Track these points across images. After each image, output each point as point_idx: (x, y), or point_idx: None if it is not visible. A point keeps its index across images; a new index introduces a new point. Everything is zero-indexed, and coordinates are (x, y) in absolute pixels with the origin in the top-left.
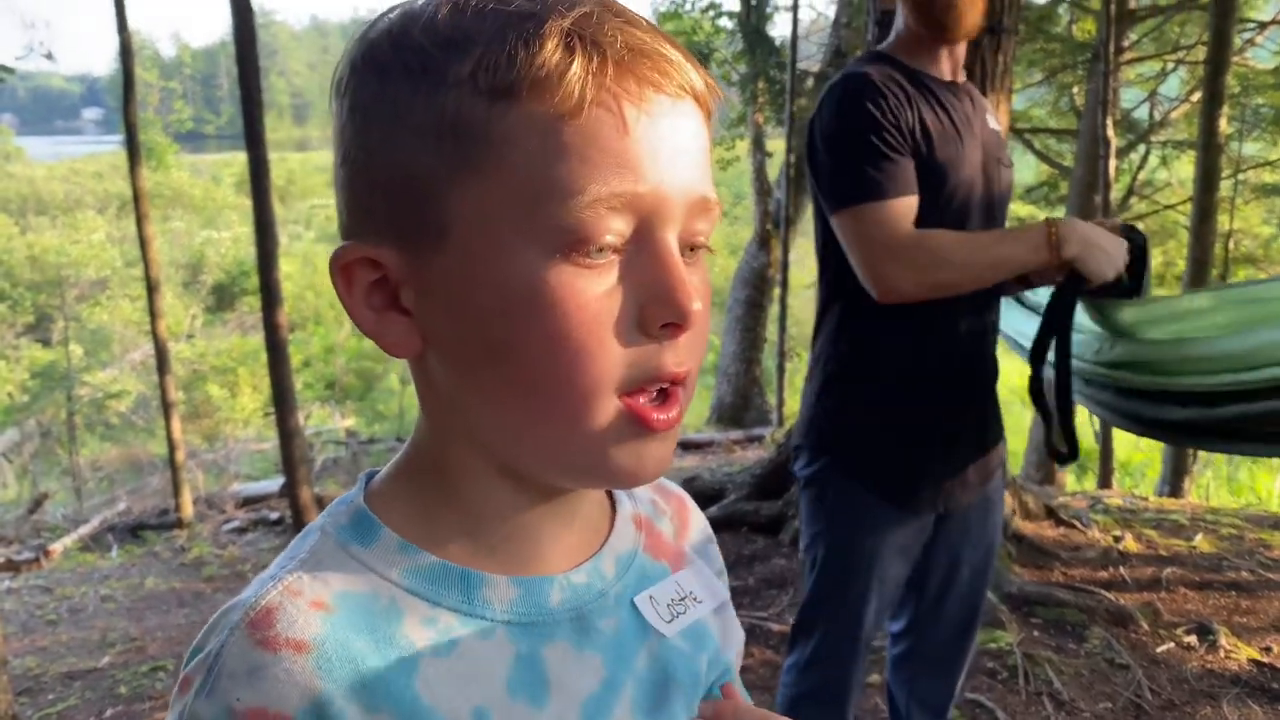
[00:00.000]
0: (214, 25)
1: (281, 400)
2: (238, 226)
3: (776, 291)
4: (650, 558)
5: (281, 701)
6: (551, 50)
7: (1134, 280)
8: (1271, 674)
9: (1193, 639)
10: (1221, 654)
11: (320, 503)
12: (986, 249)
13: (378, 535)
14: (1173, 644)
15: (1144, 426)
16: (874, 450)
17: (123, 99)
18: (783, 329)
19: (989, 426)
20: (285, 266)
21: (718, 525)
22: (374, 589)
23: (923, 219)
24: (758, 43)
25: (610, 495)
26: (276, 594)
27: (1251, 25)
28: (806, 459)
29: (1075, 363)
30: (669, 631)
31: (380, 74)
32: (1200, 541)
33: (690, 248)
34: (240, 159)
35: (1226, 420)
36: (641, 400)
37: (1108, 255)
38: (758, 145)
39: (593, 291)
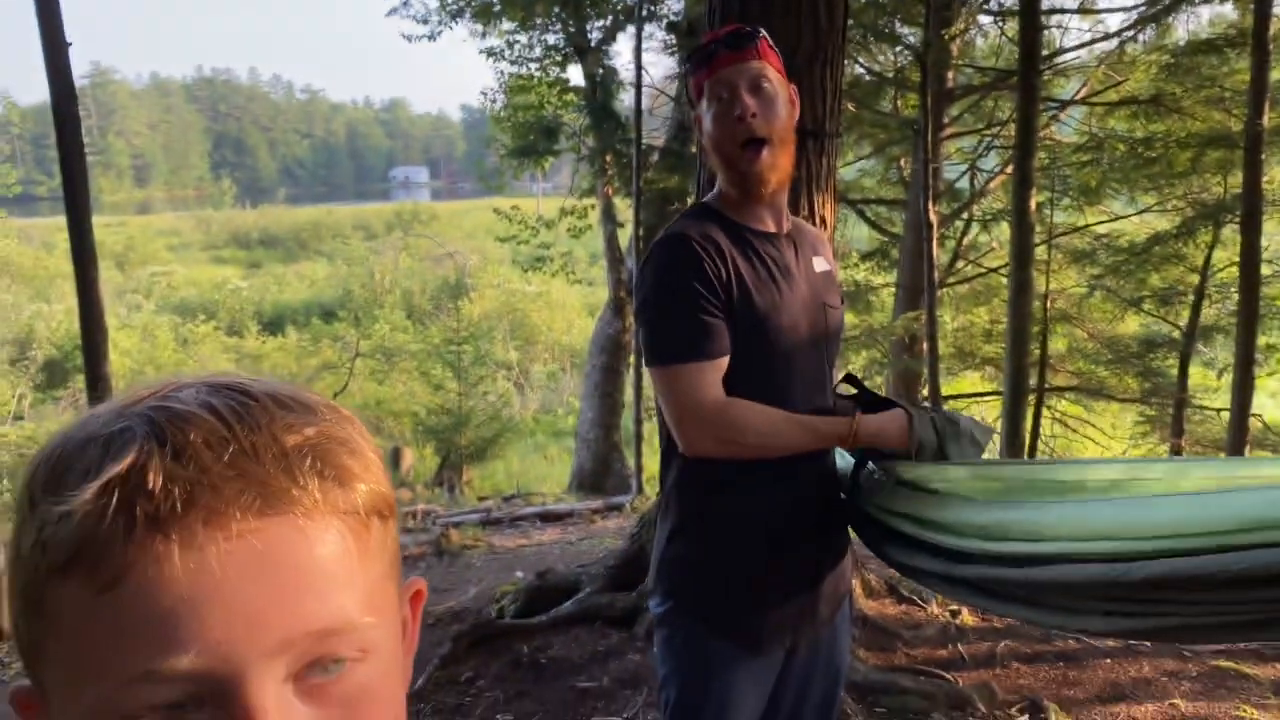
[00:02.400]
0: (45, 82)
1: None
2: (70, 298)
3: (632, 358)
4: None
5: None
6: (87, 516)
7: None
8: None
9: (1025, 718)
10: None
11: None
12: (790, 439)
13: None
14: None
15: (902, 570)
16: (720, 595)
17: None
18: (638, 393)
19: (837, 559)
20: (123, 341)
21: (572, 620)
22: None
23: (749, 366)
24: (604, 118)
25: None
26: None
27: (1054, 104)
28: (658, 600)
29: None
30: None
31: (13, 526)
32: None
33: (325, 662)
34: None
35: (971, 578)
36: None
37: (897, 440)
38: (608, 216)
39: None
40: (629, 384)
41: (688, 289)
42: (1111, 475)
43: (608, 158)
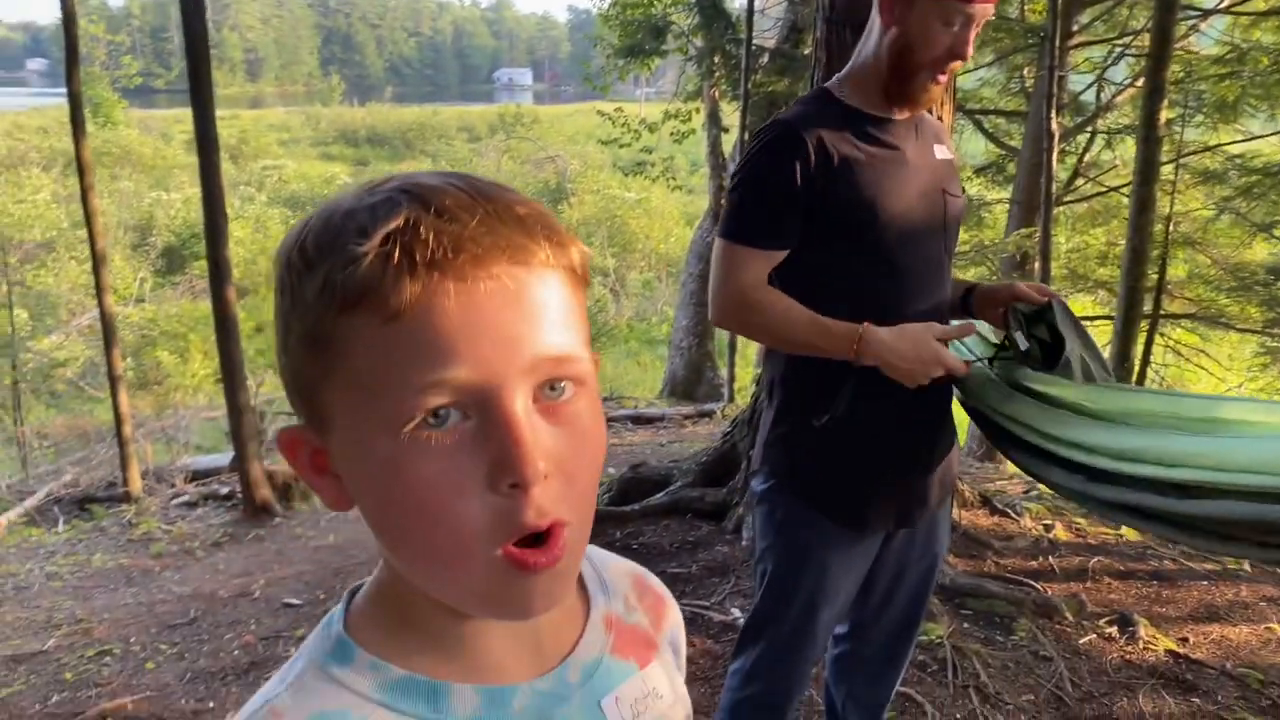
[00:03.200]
0: None
1: (231, 376)
2: (188, 188)
3: None
4: (618, 658)
5: None
6: (372, 263)
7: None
8: (1187, 665)
9: (1114, 630)
10: (1140, 645)
11: (270, 478)
12: (801, 330)
13: (353, 655)
14: (1095, 635)
15: (1035, 479)
16: (827, 476)
17: (65, 68)
18: None
19: (944, 445)
20: (237, 231)
21: (663, 512)
22: (347, 706)
23: (860, 250)
24: (714, 17)
25: (585, 594)
26: (262, 714)
27: (1195, 13)
28: (762, 479)
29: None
30: None
31: (280, 290)
32: (1127, 530)
33: (557, 384)
34: (191, 115)
35: (1110, 500)
36: (515, 545)
37: (908, 369)
38: (713, 120)
39: (437, 465)
40: None
41: (770, 178)
42: (1244, 415)
43: (716, 59)
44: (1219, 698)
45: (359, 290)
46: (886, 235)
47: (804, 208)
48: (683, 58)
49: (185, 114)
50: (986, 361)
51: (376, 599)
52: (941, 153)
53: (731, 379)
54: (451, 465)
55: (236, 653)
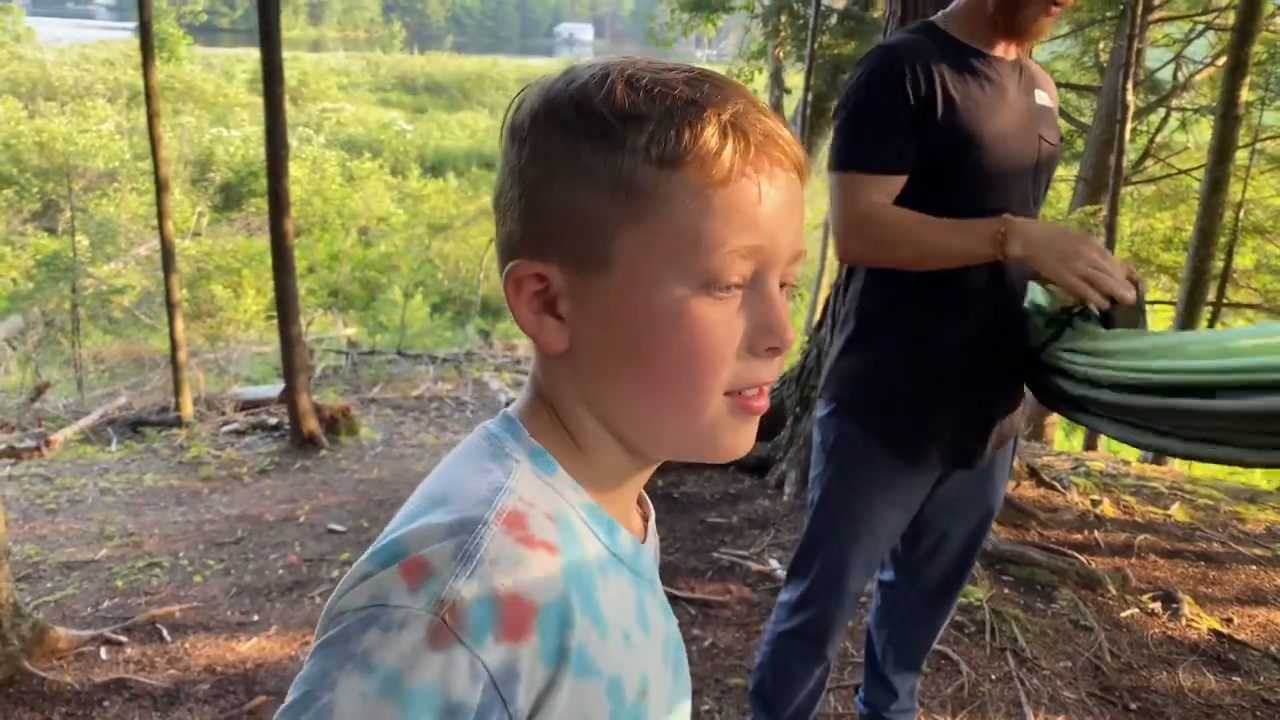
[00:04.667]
0: None
1: (284, 308)
2: (248, 126)
3: None
4: (651, 554)
5: (534, 593)
6: (711, 134)
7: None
8: (1230, 644)
9: (1157, 606)
10: (1183, 622)
11: (318, 411)
12: (937, 236)
13: (555, 469)
14: (1137, 610)
15: (1073, 408)
16: (887, 406)
17: None
18: None
19: (1008, 391)
20: (294, 171)
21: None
22: (568, 511)
23: (953, 180)
24: None
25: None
26: (516, 503)
27: None
28: (823, 404)
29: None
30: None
31: (564, 131)
32: (1176, 510)
33: (782, 285)
34: (253, 55)
35: (1146, 408)
36: (745, 394)
37: (1062, 257)
38: (776, 80)
39: (720, 319)
40: None
41: (878, 102)
42: None
43: (782, 18)
44: (1260, 678)
45: (697, 153)
46: (979, 173)
47: (912, 131)
48: (748, 15)
49: (247, 53)
50: (1051, 322)
51: (548, 429)
52: (1042, 99)
53: None
54: (730, 322)
55: (280, 572)
